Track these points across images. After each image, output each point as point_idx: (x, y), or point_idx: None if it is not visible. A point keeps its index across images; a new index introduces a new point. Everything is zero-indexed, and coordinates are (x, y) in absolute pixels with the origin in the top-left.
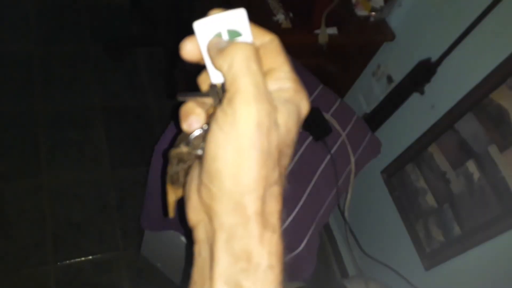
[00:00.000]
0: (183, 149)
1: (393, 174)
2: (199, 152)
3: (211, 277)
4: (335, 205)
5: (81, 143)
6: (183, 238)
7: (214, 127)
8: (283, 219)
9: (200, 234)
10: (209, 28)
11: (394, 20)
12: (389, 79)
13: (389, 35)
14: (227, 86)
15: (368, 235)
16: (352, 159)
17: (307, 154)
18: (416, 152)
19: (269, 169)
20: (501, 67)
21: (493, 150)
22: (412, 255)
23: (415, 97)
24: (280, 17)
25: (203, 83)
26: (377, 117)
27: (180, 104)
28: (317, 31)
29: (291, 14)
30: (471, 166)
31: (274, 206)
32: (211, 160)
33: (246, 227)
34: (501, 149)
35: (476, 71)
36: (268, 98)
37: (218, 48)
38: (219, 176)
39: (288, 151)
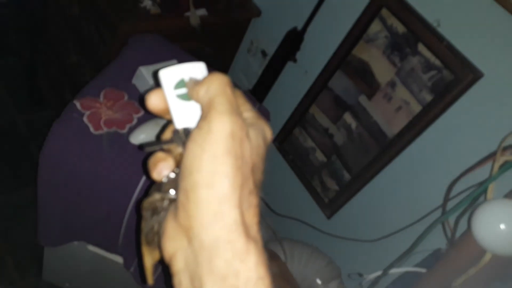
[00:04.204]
0: (156, 196)
1: (284, 141)
2: (172, 194)
3: None
4: None
5: None
6: (90, 247)
7: (190, 144)
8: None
9: (178, 264)
10: (174, 75)
11: None
12: (264, 53)
13: (255, 11)
14: (203, 109)
15: (272, 197)
16: None
17: None
18: (299, 116)
19: (244, 178)
20: (356, 25)
21: (363, 99)
22: (314, 208)
23: (289, 65)
24: (147, 3)
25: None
26: (259, 91)
27: (147, 157)
28: (187, 14)
29: None
30: (348, 117)
31: (252, 218)
32: (188, 174)
33: (229, 239)
34: (369, 97)
35: (337, 32)
36: (240, 115)
37: (195, 81)
38: (195, 188)
39: (260, 165)
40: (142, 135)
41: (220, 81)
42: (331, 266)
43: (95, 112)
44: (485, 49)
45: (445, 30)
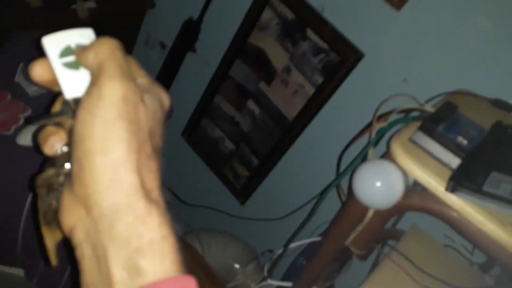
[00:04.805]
0: (50, 171)
1: (192, 132)
2: (67, 167)
3: (107, 269)
4: None
5: None
6: None
7: (80, 111)
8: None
9: (79, 235)
10: (59, 42)
11: None
12: (162, 45)
13: (149, 3)
14: (93, 74)
15: (184, 190)
16: None
17: None
18: (205, 107)
19: (140, 142)
20: (248, 14)
21: (262, 86)
22: (228, 196)
23: (190, 56)
24: None
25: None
26: (161, 84)
27: (38, 131)
28: (73, 6)
29: None
30: (251, 104)
31: (153, 181)
32: (80, 142)
33: (129, 204)
34: (268, 83)
35: (232, 21)
36: (133, 80)
37: (82, 47)
38: (88, 155)
39: (158, 130)
40: (31, 136)
41: (109, 45)
42: (247, 250)
43: None
44: (364, 31)
45: (328, 15)
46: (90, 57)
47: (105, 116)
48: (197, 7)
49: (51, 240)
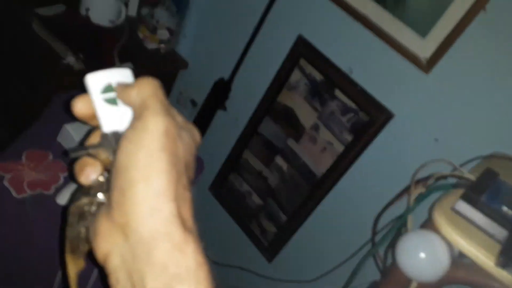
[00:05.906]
0: (84, 200)
1: (220, 187)
2: (100, 197)
3: None
4: None
5: None
6: None
7: (124, 143)
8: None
9: (114, 261)
10: (101, 80)
11: (183, 49)
12: (193, 103)
13: (182, 63)
14: (136, 110)
15: (210, 246)
16: None
17: None
18: (233, 162)
19: (179, 173)
20: (278, 75)
21: (291, 142)
22: (255, 253)
23: (220, 114)
24: (71, 59)
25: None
26: None
27: (73, 161)
28: None
29: (81, 55)
30: (279, 160)
31: (188, 211)
32: (123, 171)
33: (167, 232)
34: (296, 140)
35: (261, 81)
36: (173, 116)
37: (124, 85)
38: (131, 184)
39: (192, 163)
40: (68, 165)
41: (152, 84)
42: None
43: (17, 174)
44: (393, 93)
45: (357, 76)
46: (133, 94)
47: (149, 148)
48: (229, 68)
49: (73, 269)
